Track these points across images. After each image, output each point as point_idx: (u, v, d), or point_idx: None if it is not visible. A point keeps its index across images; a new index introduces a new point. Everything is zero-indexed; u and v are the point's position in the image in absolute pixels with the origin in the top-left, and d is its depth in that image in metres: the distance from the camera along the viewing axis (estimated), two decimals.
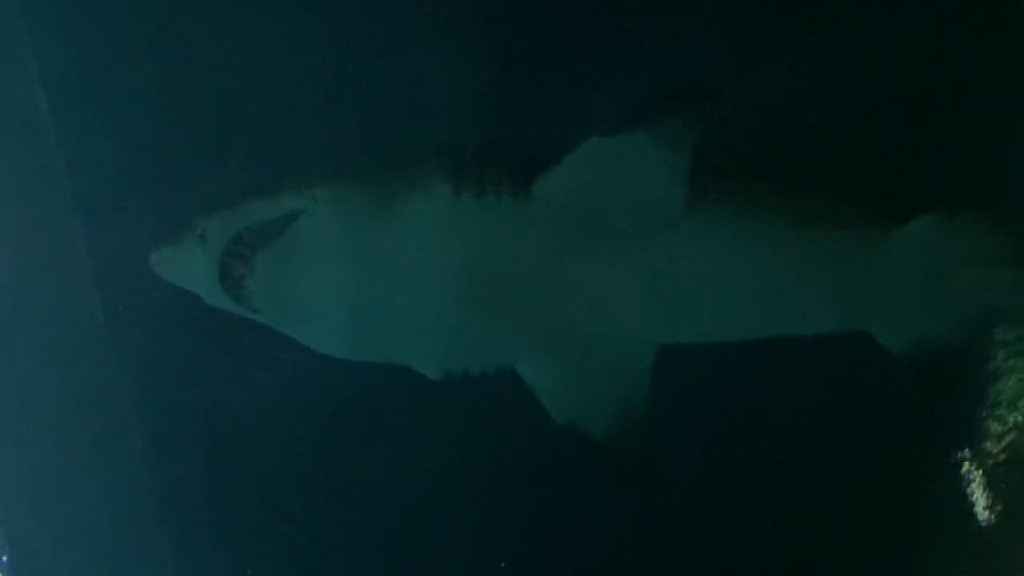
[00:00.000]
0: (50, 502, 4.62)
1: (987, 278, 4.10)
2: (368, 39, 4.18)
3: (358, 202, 3.86)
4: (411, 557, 4.69)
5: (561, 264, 3.97)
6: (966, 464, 4.40)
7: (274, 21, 4.15)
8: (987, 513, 4.40)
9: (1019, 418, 4.32)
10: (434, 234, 3.86)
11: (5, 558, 4.60)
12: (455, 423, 4.47)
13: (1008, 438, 4.33)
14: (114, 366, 4.52)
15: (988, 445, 4.37)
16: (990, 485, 4.36)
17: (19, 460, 4.55)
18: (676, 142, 3.79)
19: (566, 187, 3.87)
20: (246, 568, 4.72)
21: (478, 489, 4.61)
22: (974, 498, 4.41)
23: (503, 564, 4.65)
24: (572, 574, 4.58)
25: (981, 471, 4.38)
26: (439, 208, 3.84)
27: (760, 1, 4.24)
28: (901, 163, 4.23)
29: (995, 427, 4.35)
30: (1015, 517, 4.36)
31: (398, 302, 3.93)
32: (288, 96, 4.23)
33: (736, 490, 4.49)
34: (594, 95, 4.05)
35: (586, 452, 4.24)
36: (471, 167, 3.87)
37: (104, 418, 4.60)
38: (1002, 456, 4.35)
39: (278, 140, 4.20)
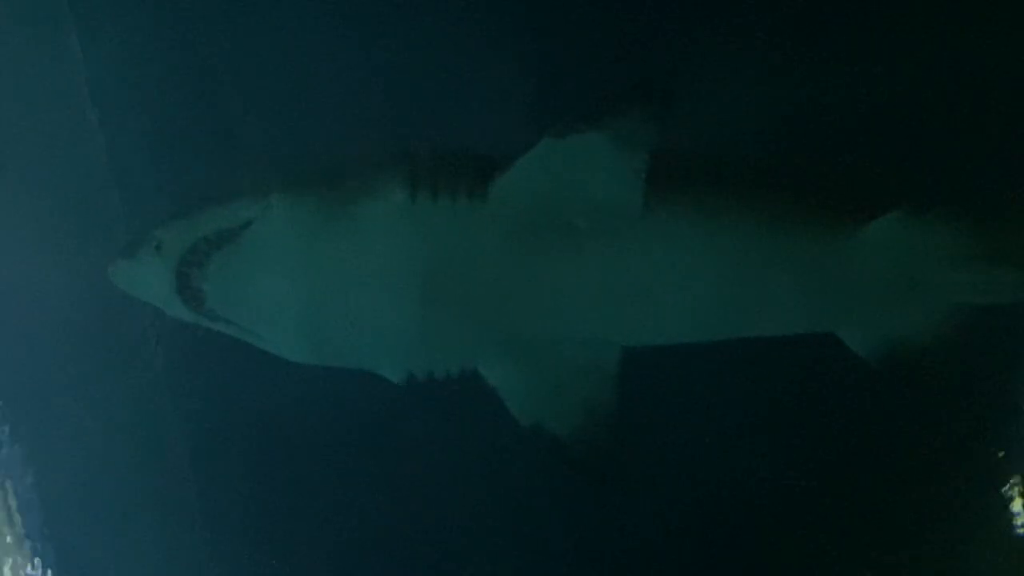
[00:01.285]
0: (93, 511, 4.62)
1: (956, 277, 4.05)
2: (325, 44, 4.14)
3: (312, 208, 3.84)
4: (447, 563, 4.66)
5: (519, 265, 3.95)
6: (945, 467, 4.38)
7: (228, 26, 4.13)
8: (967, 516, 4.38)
9: None
10: (390, 238, 3.85)
11: (50, 571, 4.62)
12: (478, 434, 4.41)
13: None
14: (158, 372, 4.52)
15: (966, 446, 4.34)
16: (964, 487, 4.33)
17: (61, 468, 4.55)
18: (631, 142, 3.76)
19: (521, 188, 3.84)
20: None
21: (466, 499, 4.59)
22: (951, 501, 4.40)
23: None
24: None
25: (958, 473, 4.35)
26: (394, 212, 3.82)
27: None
28: (865, 160, 4.17)
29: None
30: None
31: (356, 306, 3.92)
32: (240, 103, 4.20)
33: (706, 491, 4.45)
34: (548, 95, 4.01)
35: (552, 454, 4.20)
36: (426, 170, 3.85)
37: (147, 426, 4.63)
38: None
39: (233, 147, 4.17)
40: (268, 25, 4.11)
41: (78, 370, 4.53)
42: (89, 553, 4.62)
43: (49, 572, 4.60)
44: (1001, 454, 4.36)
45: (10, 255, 4.22)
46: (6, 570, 4.54)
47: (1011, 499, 4.32)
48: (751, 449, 4.43)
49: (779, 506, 4.41)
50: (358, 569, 4.73)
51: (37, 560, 4.58)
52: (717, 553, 4.50)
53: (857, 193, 4.08)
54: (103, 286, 4.08)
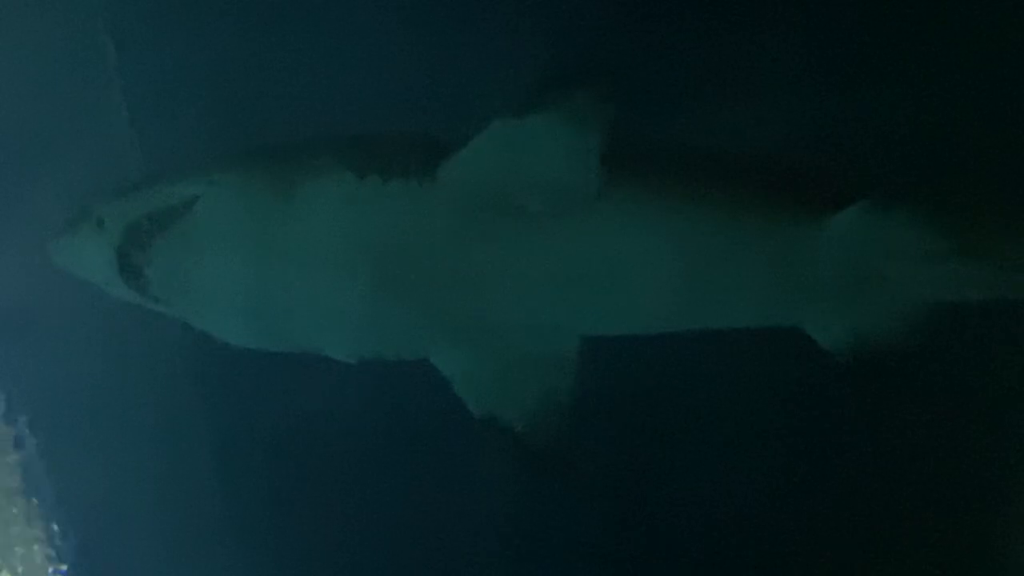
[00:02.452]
0: (116, 510, 4.56)
1: (924, 273, 3.93)
2: (273, 23, 4.05)
3: (258, 186, 3.75)
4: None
5: (471, 250, 3.84)
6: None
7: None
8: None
9: None
10: (337, 219, 3.74)
11: (64, 567, 4.58)
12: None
13: None
14: (182, 374, 4.47)
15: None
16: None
17: (85, 469, 4.50)
18: (584, 122, 3.65)
19: (472, 170, 3.74)
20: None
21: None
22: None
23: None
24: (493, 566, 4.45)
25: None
26: (342, 192, 3.72)
27: None
28: (831, 152, 4.05)
29: None
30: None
31: (303, 289, 3.81)
32: (188, 80, 4.11)
33: (664, 485, 4.34)
34: (500, 76, 3.90)
35: (505, 446, 4.09)
36: (375, 151, 3.76)
37: (170, 429, 4.60)
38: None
39: (177, 126, 4.07)
40: (218, 4, 4.01)
41: (101, 371, 4.47)
42: (110, 555, 4.57)
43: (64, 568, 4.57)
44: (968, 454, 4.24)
45: (34, 255, 4.09)
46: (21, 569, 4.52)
47: (976, 499, 4.21)
48: (711, 445, 4.31)
49: (738, 500, 4.30)
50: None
51: (57, 563, 4.55)
52: (673, 546, 4.38)
53: (822, 185, 3.96)
54: None
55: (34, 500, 4.51)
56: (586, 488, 4.26)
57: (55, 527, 4.52)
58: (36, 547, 4.53)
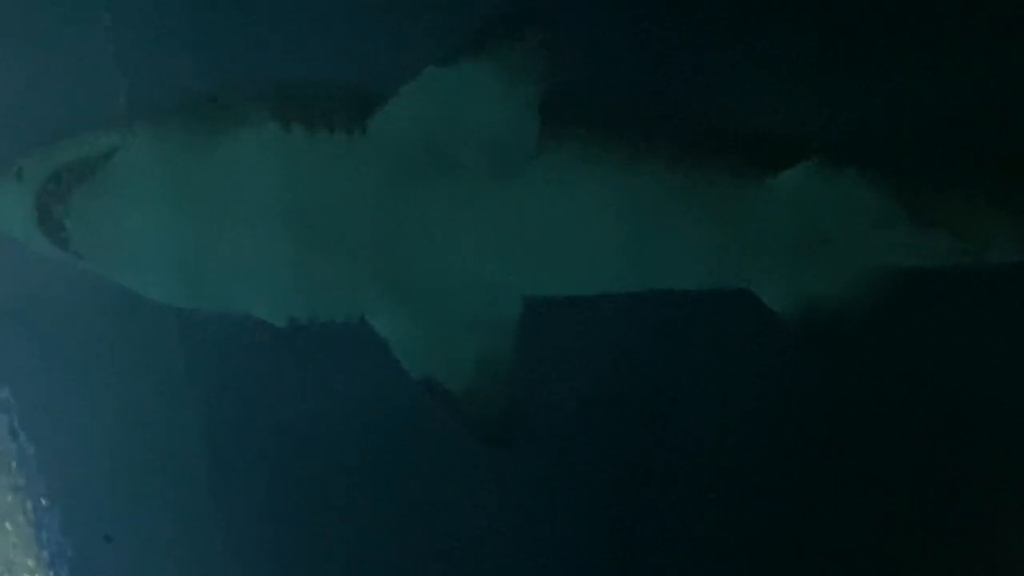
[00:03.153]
0: (111, 511, 4.46)
1: (877, 236, 3.83)
2: None
3: (178, 136, 3.61)
4: None
5: (404, 205, 3.70)
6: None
7: None
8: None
9: None
10: (262, 171, 3.61)
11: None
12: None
13: None
14: (181, 374, 4.32)
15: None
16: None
17: (80, 469, 4.39)
18: (519, 72, 3.52)
19: (404, 121, 3.61)
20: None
21: None
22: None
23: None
24: (432, 539, 4.34)
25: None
26: (266, 143, 3.58)
27: None
28: (781, 109, 3.92)
29: None
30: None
31: (226, 244, 3.68)
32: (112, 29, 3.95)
33: (609, 454, 4.21)
34: (432, 24, 3.74)
35: (443, 410, 3.97)
36: (301, 100, 3.61)
37: (168, 428, 4.43)
38: None
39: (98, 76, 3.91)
40: None
41: (94, 365, 4.32)
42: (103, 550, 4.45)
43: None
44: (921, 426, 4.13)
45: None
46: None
47: (928, 472, 4.10)
48: (657, 411, 4.19)
49: (685, 469, 4.18)
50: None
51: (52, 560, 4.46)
52: (619, 517, 4.27)
53: (769, 143, 3.84)
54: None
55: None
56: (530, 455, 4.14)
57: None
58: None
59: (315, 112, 3.59)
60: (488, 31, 3.49)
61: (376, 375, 4.03)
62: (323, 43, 3.71)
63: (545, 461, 4.20)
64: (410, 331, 3.92)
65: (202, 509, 4.41)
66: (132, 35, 3.76)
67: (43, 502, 4.43)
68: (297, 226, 3.66)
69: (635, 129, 3.80)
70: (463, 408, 3.97)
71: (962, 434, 4.11)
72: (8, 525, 4.51)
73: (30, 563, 4.49)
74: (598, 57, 3.74)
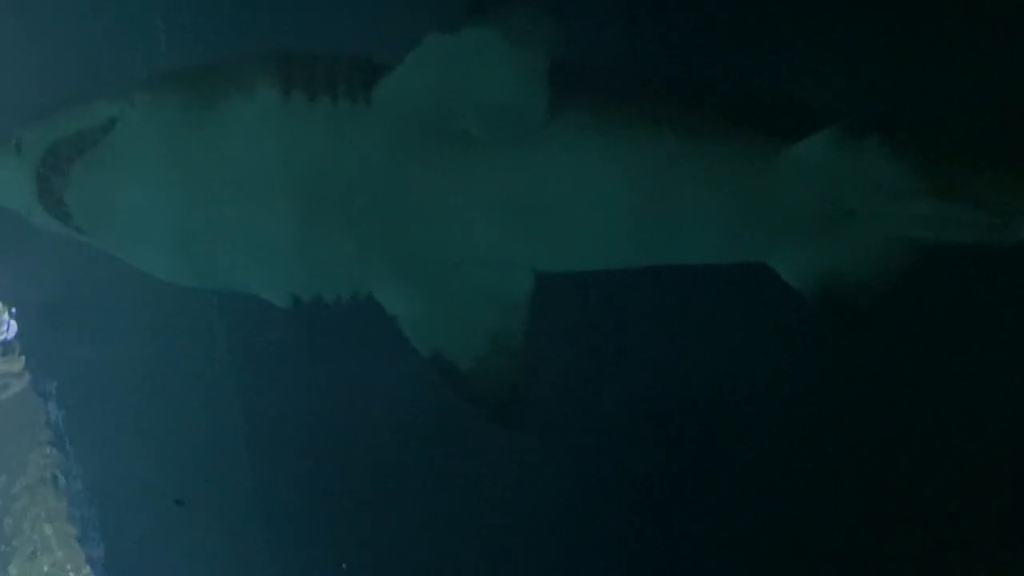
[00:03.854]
0: (148, 500, 4.53)
1: (896, 209, 3.69)
2: None
3: (177, 106, 3.50)
4: None
5: (410, 178, 3.59)
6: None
7: None
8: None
9: None
10: (262, 142, 3.49)
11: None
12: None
13: None
14: (221, 365, 4.36)
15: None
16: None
17: (118, 457, 4.43)
18: (527, 38, 3.38)
19: (408, 91, 3.48)
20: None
21: None
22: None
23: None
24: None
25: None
26: (266, 113, 3.46)
27: None
28: (801, 76, 3.80)
29: None
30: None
31: (228, 219, 3.58)
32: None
33: (618, 432, 4.12)
34: None
35: (452, 388, 3.88)
36: (302, 69, 3.49)
37: (207, 418, 4.51)
38: None
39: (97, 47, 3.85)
40: None
41: (139, 364, 4.41)
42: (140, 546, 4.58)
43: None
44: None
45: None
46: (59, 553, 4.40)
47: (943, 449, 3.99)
48: (672, 388, 4.09)
49: (698, 443, 4.09)
50: None
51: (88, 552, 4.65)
52: (628, 494, 4.18)
53: (787, 113, 3.72)
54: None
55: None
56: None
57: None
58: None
59: (317, 81, 3.48)
60: None
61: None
62: (324, 12, 3.63)
63: (558, 441, 4.12)
64: (418, 307, 3.82)
65: (245, 505, 4.39)
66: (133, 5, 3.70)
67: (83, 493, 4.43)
68: (299, 199, 3.55)
69: (647, 97, 3.67)
70: (473, 386, 3.86)
71: (980, 412, 3.99)
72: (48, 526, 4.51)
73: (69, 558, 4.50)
74: (608, 23, 3.63)
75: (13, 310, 4.78)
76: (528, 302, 3.81)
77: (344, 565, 4.58)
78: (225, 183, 3.53)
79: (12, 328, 4.80)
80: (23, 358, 4.83)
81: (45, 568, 4.97)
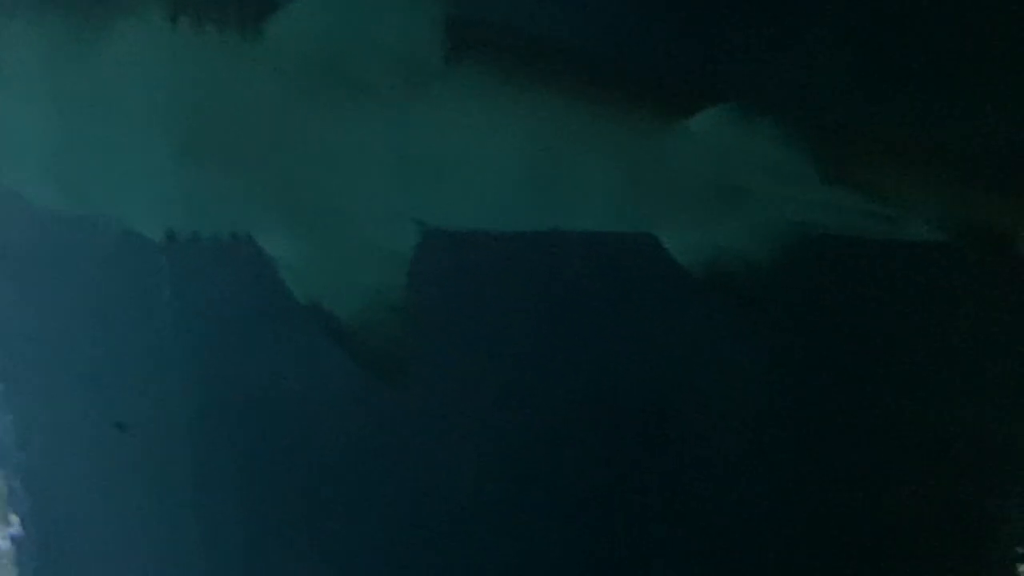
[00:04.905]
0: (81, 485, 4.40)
1: (791, 193, 3.71)
2: None
3: (59, 27, 3.37)
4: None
5: (297, 119, 3.52)
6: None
7: None
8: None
9: None
10: (144, 67, 3.38)
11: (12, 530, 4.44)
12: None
13: None
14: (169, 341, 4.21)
15: None
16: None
17: (48, 429, 4.33)
18: None
19: (302, 28, 3.41)
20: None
21: None
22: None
23: None
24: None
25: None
26: (149, 36, 3.35)
27: None
28: (699, 51, 3.79)
29: None
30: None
31: (106, 144, 3.46)
32: None
33: (509, 394, 4.09)
34: None
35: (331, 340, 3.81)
36: None
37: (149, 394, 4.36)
38: None
39: None
40: None
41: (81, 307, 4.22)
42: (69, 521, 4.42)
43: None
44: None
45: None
46: None
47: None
48: (553, 353, 4.07)
49: (583, 410, 4.07)
50: None
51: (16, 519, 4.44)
52: (516, 458, 4.15)
53: (685, 84, 3.72)
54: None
55: None
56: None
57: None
58: None
59: (206, 8, 3.38)
60: None
61: None
62: None
63: (441, 400, 4.07)
64: (299, 253, 3.74)
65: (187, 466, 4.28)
66: None
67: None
68: (180, 131, 3.46)
69: (544, 58, 3.65)
70: (352, 338, 3.80)
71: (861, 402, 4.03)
72: None
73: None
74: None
75: None
76: (411, 255, 3.76)
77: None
78: (104, 106, 3.42)
79: None
80: None
81: None
